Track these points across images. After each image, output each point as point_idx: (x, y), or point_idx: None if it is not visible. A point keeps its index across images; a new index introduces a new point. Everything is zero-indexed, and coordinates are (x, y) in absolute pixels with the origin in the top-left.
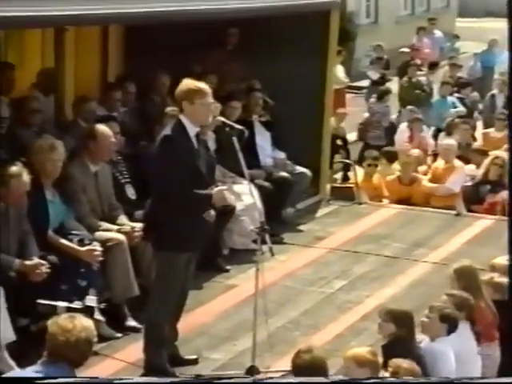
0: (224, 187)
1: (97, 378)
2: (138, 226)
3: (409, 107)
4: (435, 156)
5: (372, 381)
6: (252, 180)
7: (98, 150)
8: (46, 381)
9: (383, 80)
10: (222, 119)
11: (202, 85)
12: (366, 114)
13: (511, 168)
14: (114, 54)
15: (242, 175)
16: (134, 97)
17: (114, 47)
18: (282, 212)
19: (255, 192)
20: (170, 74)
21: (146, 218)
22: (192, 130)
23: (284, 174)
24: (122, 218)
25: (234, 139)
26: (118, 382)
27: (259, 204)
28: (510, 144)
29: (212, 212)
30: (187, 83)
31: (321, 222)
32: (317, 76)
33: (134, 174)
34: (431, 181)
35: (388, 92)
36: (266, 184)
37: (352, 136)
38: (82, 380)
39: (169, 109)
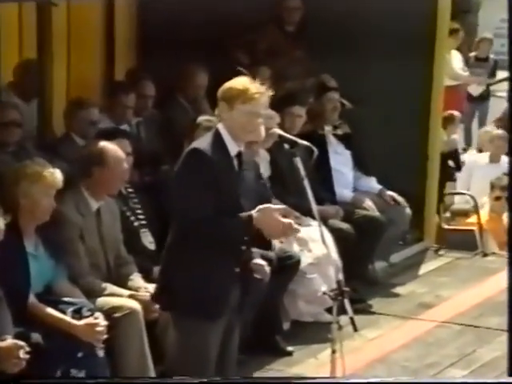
0: (277, 207)
1: (97, 378)
2: None
3: None
4: None
5: (372, 381)
6: (324, 221)
7: (106, 179)
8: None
9: None
10: (280, 132)
11: (252, 85)
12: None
13: (511, 172)
14: (124, 41)
15: (309, 214)
16: (152, 102)
17: (123, 32)
18: (368, 267)
19: (329, 238)
20: (205, 67)
21: (160, 270)
22: (232, 147)
23: (371, 212)
24: (136, 278)
25: (298, 161)
26: (119, 382)
27: (335, 255)
28: (510, 145)
29: (265, 266)
30: (233, 81)
31: (427, 281)
32: (418, 68)
33: (152, 213)
34: None
35: None
36: (346, 227)
37: (471, 154)
38: (82, 380)
39: (202, 118)
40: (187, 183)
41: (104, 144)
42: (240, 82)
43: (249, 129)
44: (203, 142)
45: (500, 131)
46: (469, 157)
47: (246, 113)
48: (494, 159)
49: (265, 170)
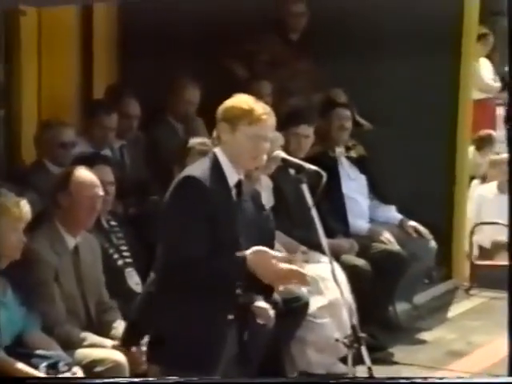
0: (274, 254)
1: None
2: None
3: None
4: None
5: (373, 381)
6: (336, 256)
7: (78, 210)
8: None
9: None
10: (284, 155)
11: (259, 104)
12: None
13: (510, 172)
14: (103, 52)
15: (318, 248)
16: (137, 122)
17: (102, 42)
18: (389, 310)
19: (342, 277)
20: (197, 82)
21: (143, 317)
22: (232, 175)
23: (391, 245)
24: (120, 326)
25: (305, 188)
26: (120, 382)
27: (349, 296)
28: (510, 146)
29: (269, 310)
30: (235, 99)
31: (457, 325)
32: (443, 79)
33: (138, 250)
34: None
35: None
36: (361, 263)
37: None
38: (84, 380)
39: (195, 141)
40: (178, 216)
41: (71, 168)
42: (244, 101)
43: (254, 154)
44: (197, 169)
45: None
46: (474, 188)
47: (251, 136)
48: (503, 189)
49: (267, 200)
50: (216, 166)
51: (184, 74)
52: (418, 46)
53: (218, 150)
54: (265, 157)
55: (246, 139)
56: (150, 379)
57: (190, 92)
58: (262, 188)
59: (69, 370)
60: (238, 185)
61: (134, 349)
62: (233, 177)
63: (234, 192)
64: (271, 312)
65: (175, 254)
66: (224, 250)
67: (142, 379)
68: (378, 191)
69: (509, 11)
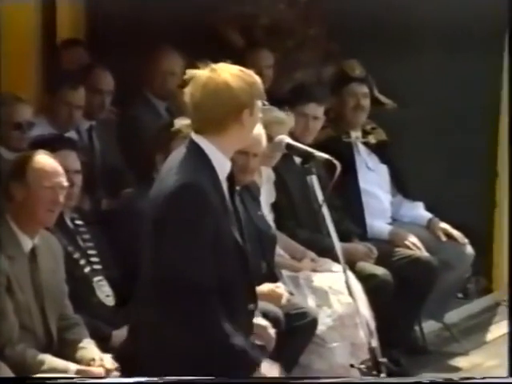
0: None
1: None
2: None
3: None
4: None
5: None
6: (351, 264)
7: (35, 205)
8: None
9: None
10: (289, 141)
11: (254, 74)
12: None
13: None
14: (69, 14)
15: (329, 254)
16: (109, 99)
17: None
18: (414, 329)
19: (358, 289)
20: (181, 51)
21: (129, 334)
22: (222, 166)
23: (417, 251)
24: (88, 345)
25: (314, 180)
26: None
27: (366, 313)
28: (510, 147)
29: (269, 329)
30: (236, 71)
31: (498, 350)
32: (484, 59)
33: (110, 255)
34: None
35: None
36: (382, 272)
37: None
38: (85, 380)
39: (182, 123)
40: (179, 233)
41: (28, 153)
42: (244, 72)
43: (248, 138)
44: (189, 167)
45: None
46: None
47: (256, 118)
48: None
49: (268, 195)
50: (201, 159)
51: (164, 41)
52: (455, 22)
53: (202, 140)
54: (264, 142)
55: (254, 122)
56: (150, 379)
57: (170, 62)
58: (262, 181)
59: None
60: (229, 178)
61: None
62: (223, 168)
63: (225, 190)
64: (271, 331)
65: (176, 272)
66: (225, 259)
67: (141, 379)
68: (403, 185)
69: (509, 11)
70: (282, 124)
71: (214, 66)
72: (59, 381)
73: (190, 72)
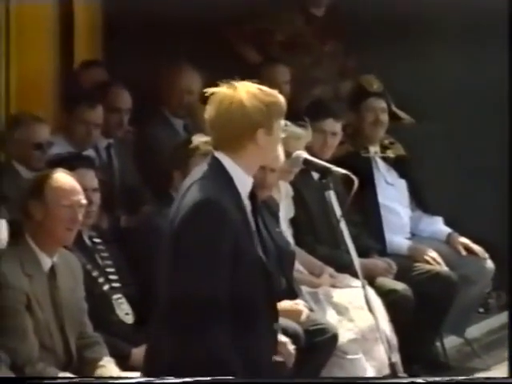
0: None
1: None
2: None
3: None
4: None
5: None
6: (371, 280)
7: (54, 223)
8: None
9: None
10: (306, 156)
11: (276, 93)
12: None
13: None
14: (85, 33)
15: (348, 270)
16: (127, 117)
17: (84, 21)
18: (435, 344)
19: (378, 304)
20: (197, 68)
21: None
22: (244, 185)
23: (437, 266)
24: (108, 364)
25: (332, 196)
26: (118, 382)
27: (386, 328)
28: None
29: (288, 345)
30: (255, 89)
31: None
32: (502, 74)
33: (128, 273)
34: None
35: None
36: (401, 287)
37: None
38: (82, 380)
39: (200, 140)
40: (201, 251)
41: (47, 171)
42: (264, 90)
43: (273, 157)
44: (209, 184)
45: None
46: None
47: (278, 135)
48: None
49: (287, 210)
50: (223, 176)
51: (181, 58)
52: (476, 25)
53: (224, 157)
54: (282, 157)
55: (275, 140)
56: (150, 379)
57: (187, 80)
58: (281, 196)
59: None
60: (252, 195)
61: None
62: (245, 185)
63: (248, 208)
64: (291, 347)
65: (190, 290)
66: (248, 277)
67: (141, 379)
68: (422, 199)
69: (509, 11)
70: (298, 139)
71: (234, 83)
72: (59, 381)
73: (210, 89)
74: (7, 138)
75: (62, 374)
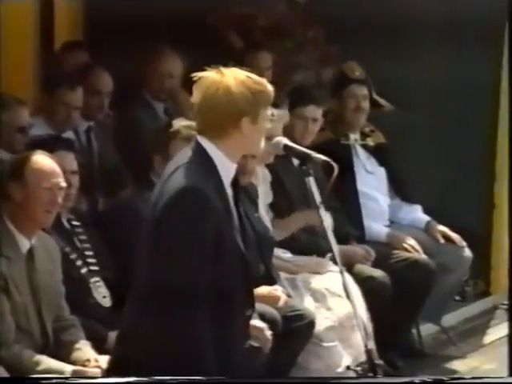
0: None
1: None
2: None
3: None
4: None
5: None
6: (349, 266)
7: (33, 205)
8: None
9: None
10: (287, 142)
11: (264, 82)
12: None
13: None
14: (66, 15)
15: (327, 256)
16: (108, 100)
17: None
18: (411, 332)
19: (355, 291)
20: (178, 52)
21: (118, 337)
22: (227, 171)
23: (415, 254)
24: (84, 347)
25: (311, 182)
26: (115, 381)
27: (364, 315)
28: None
29: (265, 331)
30: (243, 76)
31: (496, 353)
32: (484, 58)
33: (107, 256)
34: None
35: None
36: (379, 275)
37: None
38: (85, 380)
39: (181, 124)
40: (182, 238)
41: (27, 153)
42: (251, 77)
43: (257, 143)
44: (193, 170)
45: None
46: None
47: (264, 122)
48: None
49: (265, 196)
50: (206, 162)
51: (162, 42)
52: (457, 17)
53: (207, 143)
54: (263, 144)
55: (261, 127)
56: (150, 379)
57: (168, 63)
58: (259, 181)
59: None
60: (234, 182)
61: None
62: (228, 172)
63: (230, 194)
64: (268, 333)
65: (178, 277)
66: (226, 264)
67: (141, 379)
68: (401, 187)
69: (509, 11)
70: (275, 121)
71: (222, 69)
72: (58, 381)
73: (198, 73)
74: None
75: (38, 357)
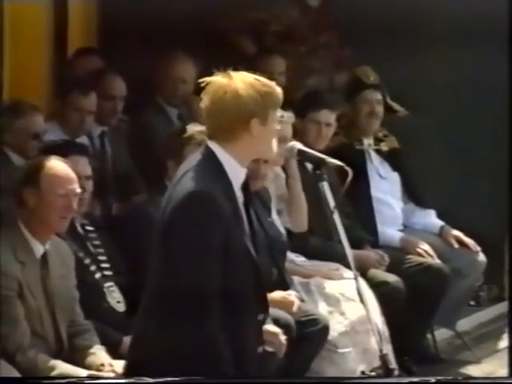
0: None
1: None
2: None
3: None
4: None
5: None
6: (363, 271)
7: (48, 211)
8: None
9: None
10: (301, 147)
11: (273, 84)
12: None
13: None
14: (80, 21)
15: (341, 261)
16: (121, 105)
17: (78, 7)
18: (426, 337)
19: (369, 296)
20: (192, 57)
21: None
22: (237, 176)
23: (429, 259)
24: (98, 352)
25: (325, 187)
26: (117, 381)
27: (378, 320)
28: (510, 145)
29: (280, 335)
30: (251, 79)
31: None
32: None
33: (120, 261)
34: None
35: None
36: (393, 280)
37: None
38: (84, 380)
39: (195, 129)
40: (191, 242)
41: (41, 159)
42: (259, 81)
43: (268, 147)
44: (201, 174)
45: None
46: None
47: (274, 125)
48: None
49: (278, 190)
50: (215, 166)
51: (176, 47)
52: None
53: (217, 147)
54: (275, 148)
55: (270, 131)
56: (150, 379)
57: (182, 68)
58: (271, 185)
59: None
60: (244, 186)
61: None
62: (238, 176)
63: (240, 199)
64: (282, 338)
65: (180, 281)
66: (237, 269)
67: (141, 379)
68: (415, 192)
69: (509, 11)
70: (285, 123)
71: (230, 73)
72: (57, 381)
73: (206, 78)
74: (5, 127)
75: (52, 362)
